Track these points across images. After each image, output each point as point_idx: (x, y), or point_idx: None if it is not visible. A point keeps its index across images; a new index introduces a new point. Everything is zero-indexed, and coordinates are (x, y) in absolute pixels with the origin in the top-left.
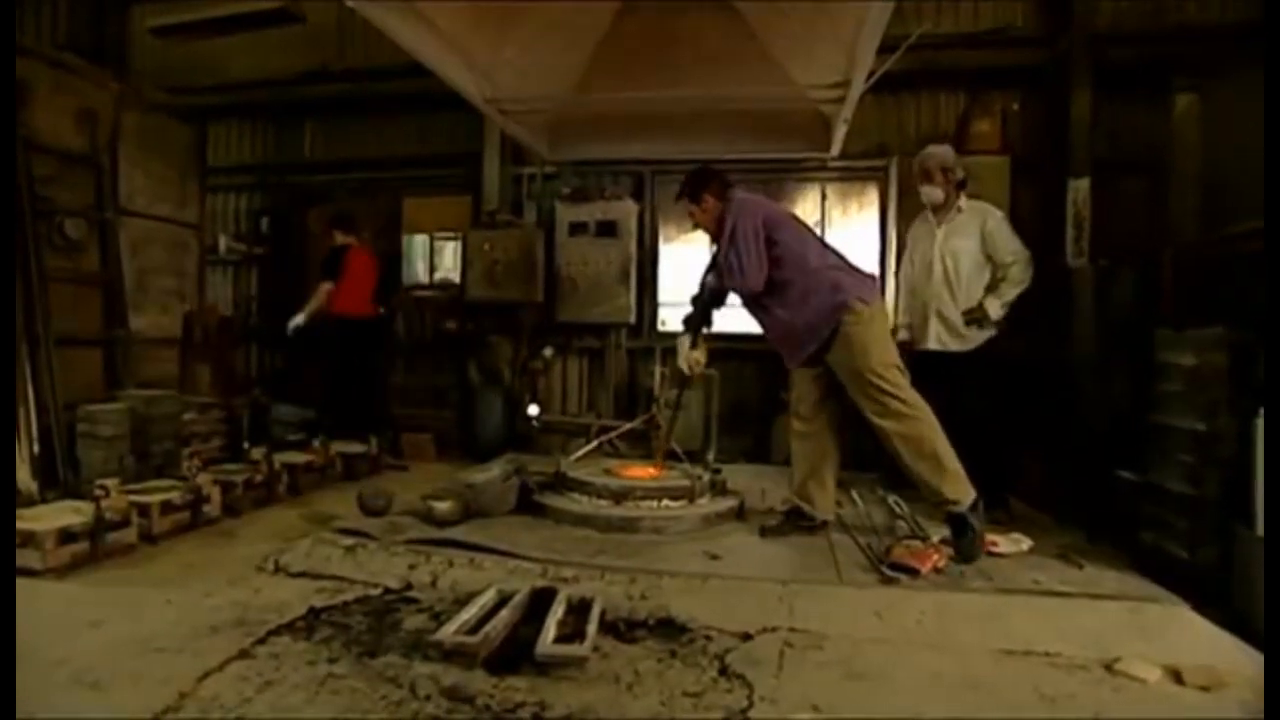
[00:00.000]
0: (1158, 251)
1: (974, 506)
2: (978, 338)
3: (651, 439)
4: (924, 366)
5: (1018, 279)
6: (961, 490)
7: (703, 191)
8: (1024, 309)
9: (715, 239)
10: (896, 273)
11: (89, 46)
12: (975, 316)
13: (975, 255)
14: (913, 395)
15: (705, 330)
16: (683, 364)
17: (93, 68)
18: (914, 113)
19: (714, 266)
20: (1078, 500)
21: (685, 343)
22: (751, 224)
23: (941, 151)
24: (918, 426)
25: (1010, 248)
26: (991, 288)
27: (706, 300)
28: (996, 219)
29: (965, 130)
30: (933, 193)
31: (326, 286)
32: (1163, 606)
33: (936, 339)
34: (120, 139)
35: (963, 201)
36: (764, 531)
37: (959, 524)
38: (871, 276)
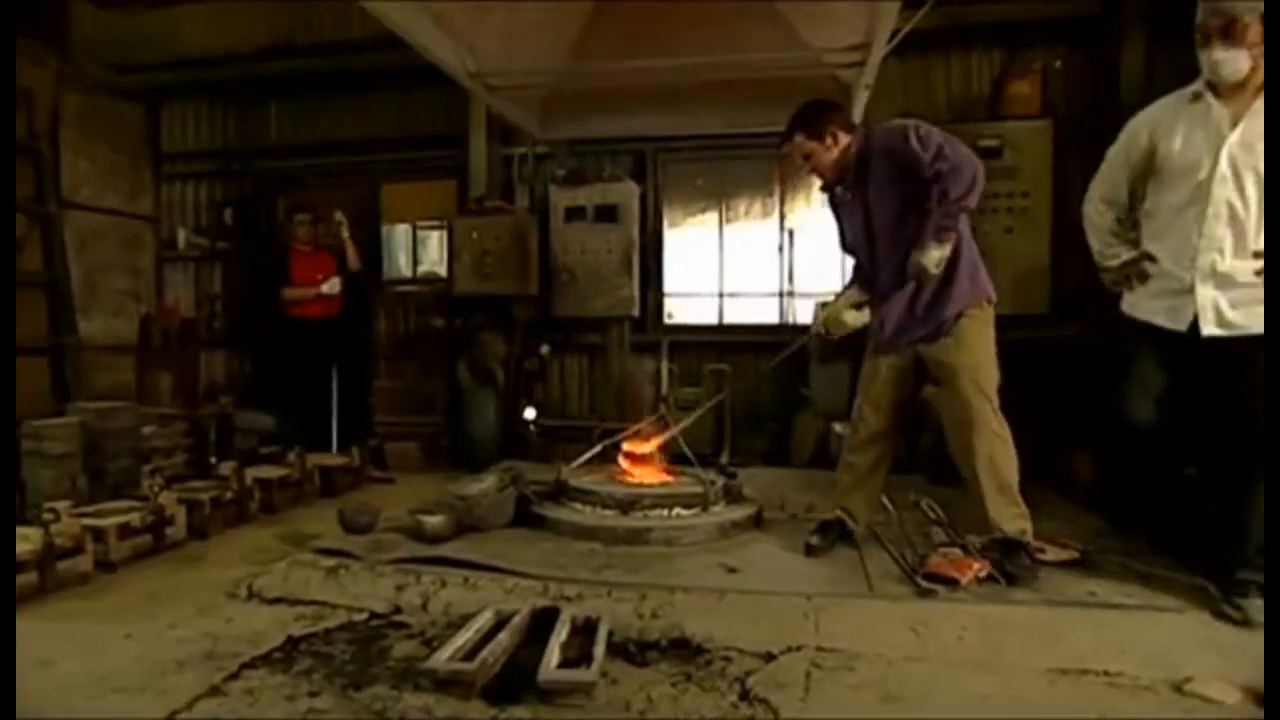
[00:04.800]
0: None
1: (1026, 548)
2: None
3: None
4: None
5: None
6: (1027, 529)
7: (829, 124)
8: (1088, 284)
9: (834, 185)
10: None
11: (22, 17)
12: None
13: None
14: (1001, 416)
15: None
16: (820, 325)
17: (27, 42)
18: (943, 75)
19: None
20: (1136, 500)
21: (839, 300)
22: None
23: None
24: (1005, 451)
25: None
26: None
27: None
28: None
29: (1001, 92)
30: (1235, 59)
31: None
32: None
33: (1216, 318)
34: (61, 122)
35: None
36: (810, 550)
37: (1011, 546)
38: None
